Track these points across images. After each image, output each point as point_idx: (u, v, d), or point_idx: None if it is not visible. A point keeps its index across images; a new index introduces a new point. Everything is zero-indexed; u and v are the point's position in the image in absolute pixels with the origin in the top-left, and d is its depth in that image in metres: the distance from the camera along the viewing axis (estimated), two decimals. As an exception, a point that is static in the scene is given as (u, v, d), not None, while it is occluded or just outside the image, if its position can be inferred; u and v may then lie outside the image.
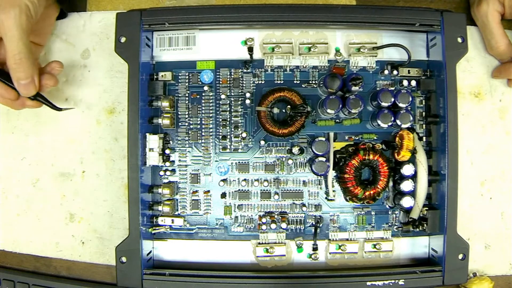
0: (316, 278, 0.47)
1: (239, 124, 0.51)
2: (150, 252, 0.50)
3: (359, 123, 0.50)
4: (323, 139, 0.48)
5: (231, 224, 0.51)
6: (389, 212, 0.51)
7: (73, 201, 0.52)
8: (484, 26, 0.50)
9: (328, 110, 0.47)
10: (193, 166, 0.51)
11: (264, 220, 0.50)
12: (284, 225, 0.50)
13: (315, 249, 0.50)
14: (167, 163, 0.51)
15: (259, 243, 0.51)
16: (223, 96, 0.51)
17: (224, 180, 0.51)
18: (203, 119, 0.51)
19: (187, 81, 0.51)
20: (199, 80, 0.51)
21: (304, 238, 0.51)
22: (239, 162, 0.51)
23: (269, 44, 0.51)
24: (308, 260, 0.51)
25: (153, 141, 0.49)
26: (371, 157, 0.48)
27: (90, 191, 0.52)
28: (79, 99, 0.53)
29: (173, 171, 0.51)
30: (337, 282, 0.47)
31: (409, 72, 0.51)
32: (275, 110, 0.50)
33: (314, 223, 0.51)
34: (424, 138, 0.51)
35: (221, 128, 0.51)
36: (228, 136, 0.51)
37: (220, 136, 0.51)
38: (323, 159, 0.48)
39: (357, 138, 0.51)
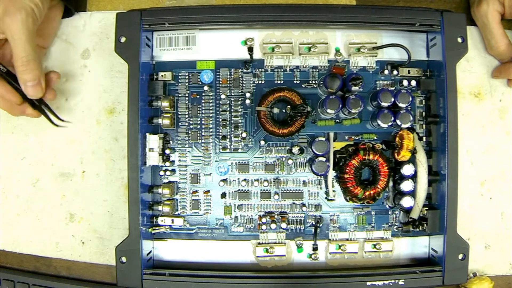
0: (316, 278, 0.47)
1: (239, 124, 0.51)
2: (150, 252, 0.50)
3: (359, 123, 0.50)
4: (323, 139, 0.48)
5: (231, 224, 0.51)
6: (389, 212, 0.51)
7: (73, 201, 0.52)
8: (484, 26, 0.50)
9: (328, 110, 0.47)
10: (193, 166, 0.51)
11: (264, 220, 0.50)
12: (284, 225, 0.50)
13: (315, 249, 0.50)
14: (167, 163, 0.51)
15: (259, 243, 0.51)
16: (223, 96, 0.51)
17: (224, 180, 0.51)
18: (203, 119, 0.51)
19: (187, 81, 0.51)
20: (199, 80, 0.51)
21: (304, 238, 0.51)
22: (239, 162, 0.51)
23: (269, 44, 0.51)
24: (308, 260, 0.51)
25: (153, 141, 0.49)
26: (371, 157, 0.48)
27: (90, 191, 0.52)
28: (79, 99, 0.53)
29: (173, 171, 0.51)
30: (337, 282, 0.47)
31: (409, 72, 0.51)
32: (275, 110, 0.50)
33: (314, 223, 0.51)
34: (424, 138, 0.51)
35: (221, 128, 0.51)
36: (228, 136, 0.51)
37: (220, 136, 0.51)
38: (323, 159, 0.48)
39: (357, 138, 0.51)
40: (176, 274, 0.47)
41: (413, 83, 0.51)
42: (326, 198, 0.51)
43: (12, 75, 0.46)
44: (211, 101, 0.51)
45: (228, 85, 0.51)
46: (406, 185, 0.48)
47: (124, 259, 0.47)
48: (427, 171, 0.48)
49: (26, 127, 0.53)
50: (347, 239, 0.51)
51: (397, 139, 0.49)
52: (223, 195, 0.51)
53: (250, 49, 0.51)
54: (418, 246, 0.51)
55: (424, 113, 0.51)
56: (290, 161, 0.51)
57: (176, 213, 0.51)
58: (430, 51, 0.51)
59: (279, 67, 0.51)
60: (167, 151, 0.51)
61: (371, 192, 0.48)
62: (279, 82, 0.51)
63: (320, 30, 0.51)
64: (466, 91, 0.53)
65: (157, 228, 0.50)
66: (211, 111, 0.51)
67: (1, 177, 0.53)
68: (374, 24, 0.48)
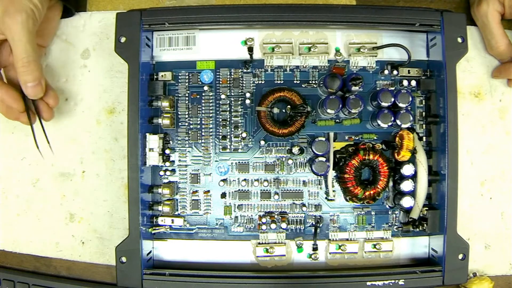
0: (316, 278, 0.47)
1: (239, 124, 0.51)
2: (150, 252, 0.50)
3: (359, 123, 0.50)
4: (323, 139, 0.48)
5: (231, 224, 0.51)
6: (389, 212, 0.51)
7: (73, 201, 0.52)
8: (484, 26, 0.50)
9: (328, 110, 0.47)
10: (193, 166, 0.51)
11: (264, 220, 0.50)
12: (284, 225, 0.50)
13: (315, 249, 0.50)
14: (167, 163, 0.51)
15: (259, 243, 0.51)
16: (223, 96, 0.51)
17: (224, 180, 0.51)
18: (203, 119, 0.51)
19: (187, 81, 0.51)
20: (199, 80, 0.51)
21: (304, 238, 0.51)
22: (239, 162, 0.51)
23: (269, 44, 0.51)
24: (308, 260, 0.51)
25: (153, 141, 0.49)
26: (371, 157, 0.48)
27: (90, 191, 0.52)
28: (79, 99, 0.53)
29: (173, 171, 0.51)
30: (337, 282, 0.47)
31: (409, 72, 0.51)
32: (275, 110, 0.50)
33: (314, 223, 0.51)
34: (424, 138, 0.51)
35: (221, 128, 0.51)
36: (228, 136, 0.51)
37: (220, 136, 0.51)
38: (323, 159, 0.48)
39: (357, 138, 0.51)
40: (176, 274, 0.47)
41: (413, 83, 0.51)
42: (326, 198, 0.51)
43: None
44: (211, 101, 0.51)
45: (228, 85, 0.51)
46: (406, 185, 0.48)
47: (124, 259, 0.47)
48: (427, 171, 0.48)
49: (26, 127, 0.52)
50: (347, 239, 0.51)
51: (397, 139, 0.49)
52: (223, 195, 0.51)
53: (250, 49, 0.51)
54: (418, 246, 0.51)
55: (424, 113, 0.51)
56: (290, 161, 0.51)
57: (176, 213, 0.51)
58: (430, 51, 0.51)
59: (279, 67, 0.51)
60: (167, 151, 0.51)
61: (371, 192, 0.48)
62: (279, 82, 0.51)
63: (320, 30, 0.51)
64: (466, 91, 0.53)
65: (157, 228, 0.50)
66: (211, 111, 0.51)
67: (1, 177, 0.53)
68: (374, 24, 0.48)
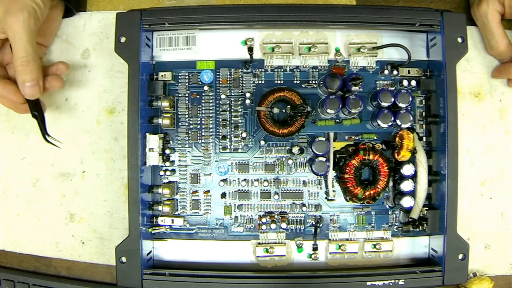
0: (316, 278, 0.47)
1: (239, 124, 0.51)
2: (150, 252, 0.50)
3: (359, 123, 0.50)
4: (323, 139, 0.48)
5: (231, 224, 0.51)
6: (389, 212, 0.51)
7: (73, 201, 0.52)
8: (484, 26, 0.50)
9: (328, 110, 0.47)
10: (193, 166, 0.51)
11: (264, 220, 0.50)
12: (284, 225, 0.50)
13: (315, 249, 0.50)
14: (167, 163, 0.51)
15: (259, 243, 0.51)
16: (223, 96, 0.51)
17: (224, 180, 0.51)
18: (203, 119, 0.51)
19: (187, 81, 0.51)
20: (199, 80, 0.51)
21: (304, 238, 0.51)
22: (239, 162, 0.51)
23: (269, 44, 0.51)
24: (308, 260, 0.51)
25: (153, 141, 0.49)
26: (371, 157, 0.48)
27: (90, 191, 0.52)
28: (79, 99, 0.53)
29: (173, 171, 0.51)
30: (337, 282, 0.47)
31: (409, 72, 0.51)
32: (275, 110, 0.50)
33: (314, 223, 0.51)
34: (424, 138, 0.51)
35: (221, 128, 0.51)
36: (228, 136, 0.51)
37: (220, 136, 0.51)
38: (323, 159, 0.48)
39: (357, 138, 0.51)
40: (176, 274, 0.47)
41: (413, 83, 0.51)
42: (326, 198, 0.51)
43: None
44: (211, 101, 0.51)
45: (228, 85, 0.51)
46: (406, 185, 0.48)
47: (124, 259, 0.47)
48: (427, 171, 0.48)
49: (26, 127, 0.53)
50: (347, 239, 0.51)
51: (397, 139, 0.49)
52: (223, 195, 0.51)
53: (250, 49, 0.51)
54: (418, 246, 0.51)
55: (424, 113, 0.51)
56: (290, 161, 0.51)
57: (176, 213, 0.51)
58: (430, 51, 0.51)
59: (279, 67, 0.51)
60: (167, 151, 0.51)
61: (371, 192, 0.48)
62: (279, 82, 0.51)
63: (320, 30, 0.51)
64: (466, 91, 0.53)
65: (157, 228, 0.50)
66: (211, 111, 0.51)
67: (1, 177, 0.53)
68: (374, 24, 0.48)
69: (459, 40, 0.48)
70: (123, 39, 0.47)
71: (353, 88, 0.47)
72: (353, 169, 0.48)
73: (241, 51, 0.51)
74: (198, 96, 0.51)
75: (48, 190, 0.53)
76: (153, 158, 0.49)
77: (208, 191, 0.51)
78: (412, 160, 0.49)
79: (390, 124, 0.48)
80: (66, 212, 0.52)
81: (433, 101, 0.50)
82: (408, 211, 0.49)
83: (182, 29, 0.51)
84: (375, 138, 0.51)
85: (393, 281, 0.46)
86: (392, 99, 0.47)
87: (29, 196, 0.53)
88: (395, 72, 0.50)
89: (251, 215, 0.51)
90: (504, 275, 0.52)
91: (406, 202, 0.48)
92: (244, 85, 0.51)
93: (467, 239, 0.48)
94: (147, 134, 0.49)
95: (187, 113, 0.51)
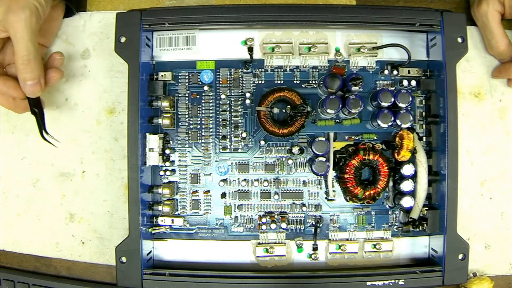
0: (316, 278, 0.47)
1: (239, 124, 0.51)
2: (150, 252, 0.50)
3: (359, 123, 0.50)
4: (323, 139, 0.48)
5: (231, 224, 0.51)
6: (389, 212, 0.51)
7: (73, 201, 0.52)
8: (484, 26, 0.50)
9: (328, 110, 0.47)
10: (193, 166, 0.51)
11: (264, 220, 0.50)
12: (284, 225, 0.50)
13: (315, 249, 0.50)
14: (167, 163, 0.51)
15: (259, 243, 0.51)
16: (223, 96, 0.51)
17: (224, 180, 0.51)
18: (203, 119, 0.51)
19: (187, 81, 0.51)
20: (199, 80, 0.51)
21: (304, 238, 0.51)
22: (239, 162, 0.51)
23: (269, 44, 0.51)
24: (308, 260, 0.51)
25: (153, 141, 0.49)
26: (371, 157, 0.48)
27: (90, 191, 0.52)
28: (79, 99, 0.53)
29: (173, 171, 0.51)
30: (337, 282, 0.47)
31: (409, 72, 0.51)
32: (275, 110, 0.50)
33: (314, 223, 0.51)
34: (424, 138, 0.51)
35: (221, 128, 0.51)
36: (228, 136, 0.51)
37: (220, 136, 0.51)
38: (323, 159, 0.48)
39: (357, 138, 0.51)
40: (176, 274, 0.47)
41: (413, 83, 0.51)
42: (326, 198, 0.51)
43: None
44: (211, 101, 0.51)
45: (228, 85, 0.51)
46: (406, 185, 0.48)
47: (124, 259, 0.47)
48: (427, 171, 0.48)
49: (26, 127, 0.53)
50: (347, 239, 0.51)
51: (397, 139, 0.49)
52: (223, 195, 0.51)
53: (250, 49, 0.51)
54: (418, 246, 0.51)
55: (424, 113, 0.51)
56: (290, 161, 0.51)
57: (176, 213, 0.51)
58: (430, 51, 0.51)
59: (279, 67, 0.51)
60: (167, 151, 0.51)
61: (371, 192, 0.48)
62: (279, 82, 0.51)
63: (320, 30, 0.51)
64: (466, 91, 0.53)
65: (157, 228, 0.50)
66: (211, 111, 0.51)
67: (1, 177, 0.53)
68: (374, 24, 0.48)
69: (459, 40, 0.48)
70: (123, 39, 0.47)
71: (353, 88, 0.47)
72: (353, 169, 0.48)
73: (241, 51, 0.51)
74: (198, 96, 0.51)
75: (48, 190, 0.53)
76: (153, 158, 0.49)
77: (208, 191, 0.51)
78: (412, 160, 0.49)
79: (390, 124, 0.48)
80: (66, 212, 0.52)
81: (433, 101, 0.50)
82: (408, 211, 0.49)
83: (182, 29, 0.51)
84: (375, 138, 0.51)
85: (393, 281, 0.46)
86: (392, 99, 0.47)
87: (29, 196, 0.53)
88: (395, 72, 0.50)
89: (251, 215, 0.51)
90: (504, 275, 0.52)
91: (406, 202, 0.48)
92: (244, 85, 0.51)
93: (467, 239, 0.48)
94: (147, 134, 0.49)
95: (187, 113, 0.51)
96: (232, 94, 0.51)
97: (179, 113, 0.51)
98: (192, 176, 0.51)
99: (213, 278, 0.46)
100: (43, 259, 0.53)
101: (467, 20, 0.49)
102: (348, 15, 0.48)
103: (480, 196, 0.52)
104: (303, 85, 0.51)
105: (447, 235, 0.47)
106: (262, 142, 0.51)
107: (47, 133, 0.48)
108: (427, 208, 0.49)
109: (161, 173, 0.51)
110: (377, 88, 0.51)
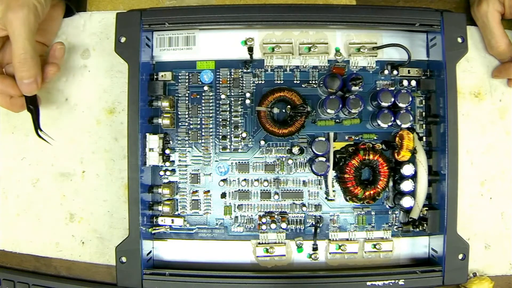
0: (316, 278, 0.47)
1: (239, 124, 0.51)
2: (150, 252, 0.50)
3: (359, 123, 0.50)
4: (323, 139, 0.48)
5: (231, 224, 0.51)
6: (389, 212, 0.51)
7: (73, 201, 0.52)
8: (484, 26, 0.50)
9: (328, 110, 0.47)
10: (193, 166, 0.51)
11: (264, 220, 0.50)
12: (284, 225, 0.50)
13: (315, 249, 0.50)
14: (167, 163, 0.51)
15: (259, 243, 0.51)
16: (223, 96, 0.51)
17: (224, 180, 0.51)
18: (203, 119, 0.51)
19: (187, 81, 0.51)
20: (199, 80, 0.51)
21: (304, 238, 0.51)
22: (239, 162, 0.51)
23: (269, 44, 0.51)
24: (308, 260, 0.51)
25: (153, 141, 0.49)
26: (371, 157, 0.48)
27: (90, 191, 0.52)
28: (79, 99, 0.53)
29: (173, 171, 0.51)
30: (337, 282, 0.47)
31: (409, 72, 0.51)
32: (275, 110, 0.50)
33: (314, 223, 0.51)
34: (424, 138, 0.51)
35: (221, 128, 0.51)
36: (228, 136, 0.51)
37: (220, 136, 0.51)
38: (323, 159, 0.48)
39: (357, 138, 0.51)
40: (176, 274, 0.47)
41: (413, 83, 0.51)
42: (326, 198, 0.51)
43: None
44: (211, 101, 0.51)
45: (228, 85, 0.51)
46: (406, 185, 0.48)
47: (124, 259, 0.47)
48: (427, 171, 0.48)
49: (26, 127, 0.53)
50: (347, 239, 0.51)
51: (397, 139, 0.49)
52: (223, 195, 0.51)
53: (250, 49, 0.51)
54: (418, 246, 0.51)
55: (424, 113, 0.51)
56: (290, 161, 0.51)
57: (176, 213, 0.51)
58: (430, 51, 0.51)
59: (279, 67, 0.51)
60: (167, 151, 0.51)
61: (371, 192, 0.48)
62: (279, 82, 0.51)
63: (320, 30, 0.51)
64: (466, 91, 0.53)
65: (157, 228, 0.50)
66: (211, 111, 0.51)
67: (1, 177, 0.53)
68: (374, 24, 0.48)
69: (459, 40, 0.48)
70: (123, 39, 0.47)
71: (353, 88, 0.47)
72: (353, 169, 0.48)
73: (241, 51, 0.51)
74: (198, 96, 0.51)
75: (48, 190, 0.53)
76: (153, 158, 0.49)
77: (208, 191, 0.51)
78: (412, 160, 0.49)
79: (390, 124, 0.48)
80: (66, 212, 0.52)
81: (433, 101, 0.50)
82: (408, 211, 0.49)
83: (182, 29, 0.51)
84: (375, 138, 0.51)
85: (393, 281, 0.46)
86: (392, 99, 0.47)
87: (29, 196, 0.53)
88: (395, 72, 0.50)
89: (251, 215, 0.51)
90: (504, 275, 0.52)
91: (406, 202, 0.48)
92: (244, 85, 0.51)
93: (467, 239, 0.48)
94: (147, 134, 0.49)
95: (187, 113, 0.51)
96: (232, 94, 0.51)
97: (179, 113, 0.51)
98: (192, 176, 0.51)
99: (213, 278, 0.47)
100: (43, 259, 0.53)
101: (467, 20, 0.49)
102: (348, 15, 0.48)
103: (480, 196, 0.52)
104: (303, 85, 0.51)
105: (447, 235, 0.47)
106: (262, 142, 0.51)
107: (41, 130, 0.48)
108: (427, 208, 0.49)
109: (161, 173, 0.51)
110: (377, 88, 0.51)
